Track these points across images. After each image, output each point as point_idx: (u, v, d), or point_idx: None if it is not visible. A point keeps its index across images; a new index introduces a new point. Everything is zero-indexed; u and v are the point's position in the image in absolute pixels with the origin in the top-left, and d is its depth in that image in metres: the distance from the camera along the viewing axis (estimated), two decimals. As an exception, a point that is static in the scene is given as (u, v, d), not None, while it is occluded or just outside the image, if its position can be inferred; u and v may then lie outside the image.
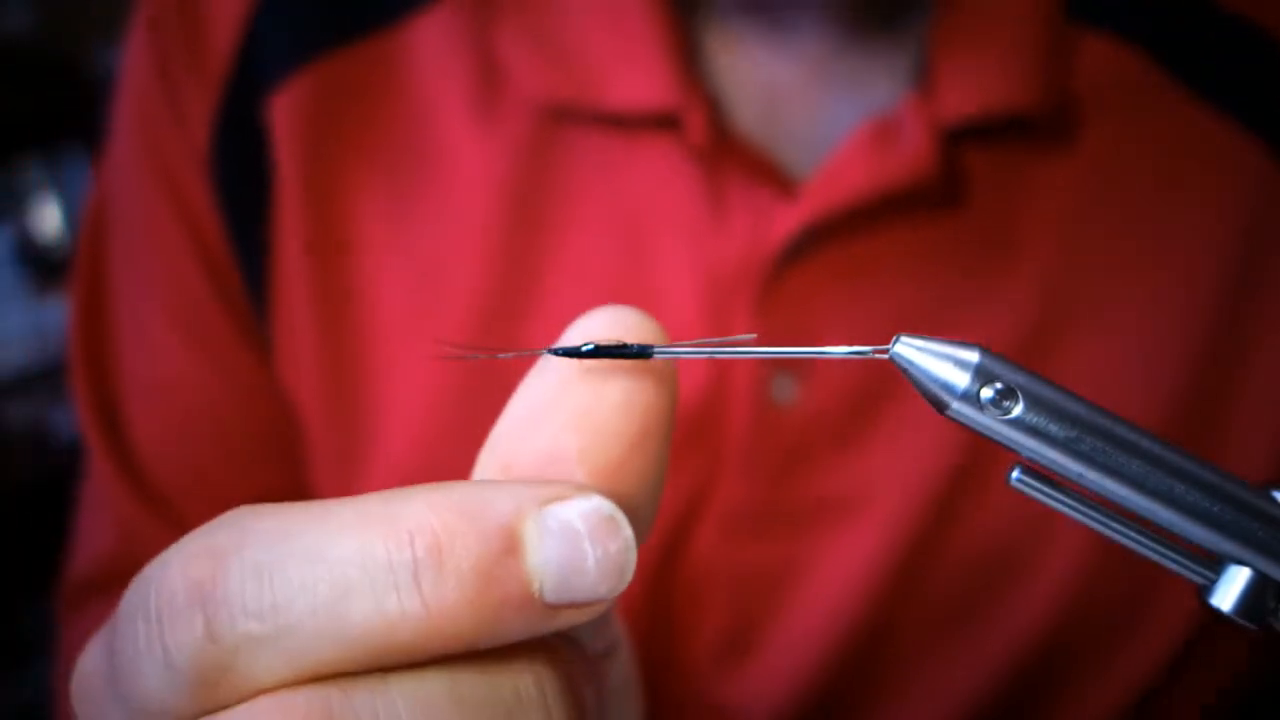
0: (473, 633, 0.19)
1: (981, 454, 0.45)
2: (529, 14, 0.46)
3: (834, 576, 0.46)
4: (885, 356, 0.22)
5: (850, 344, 0.43)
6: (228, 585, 0.18)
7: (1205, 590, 0.20)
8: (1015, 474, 0.21)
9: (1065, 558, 0.46)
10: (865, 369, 0.45)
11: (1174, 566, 0.21)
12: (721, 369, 0.45)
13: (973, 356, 0.20)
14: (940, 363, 0.20)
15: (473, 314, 0.46)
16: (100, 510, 0.52)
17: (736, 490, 0.45)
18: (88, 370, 0.51)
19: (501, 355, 0.23)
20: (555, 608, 0.19)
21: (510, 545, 0.19)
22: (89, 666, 0.21)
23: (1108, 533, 0.21)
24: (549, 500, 0.19)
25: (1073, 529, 0.46)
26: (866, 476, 0.46)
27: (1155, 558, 0.21)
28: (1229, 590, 0.20)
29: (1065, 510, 0.21)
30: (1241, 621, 0.20)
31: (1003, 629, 0.47)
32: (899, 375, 0.44)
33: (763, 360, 0.44)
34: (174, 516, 0.51)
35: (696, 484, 0.45)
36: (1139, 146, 0.46)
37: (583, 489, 0.20)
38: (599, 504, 0.19)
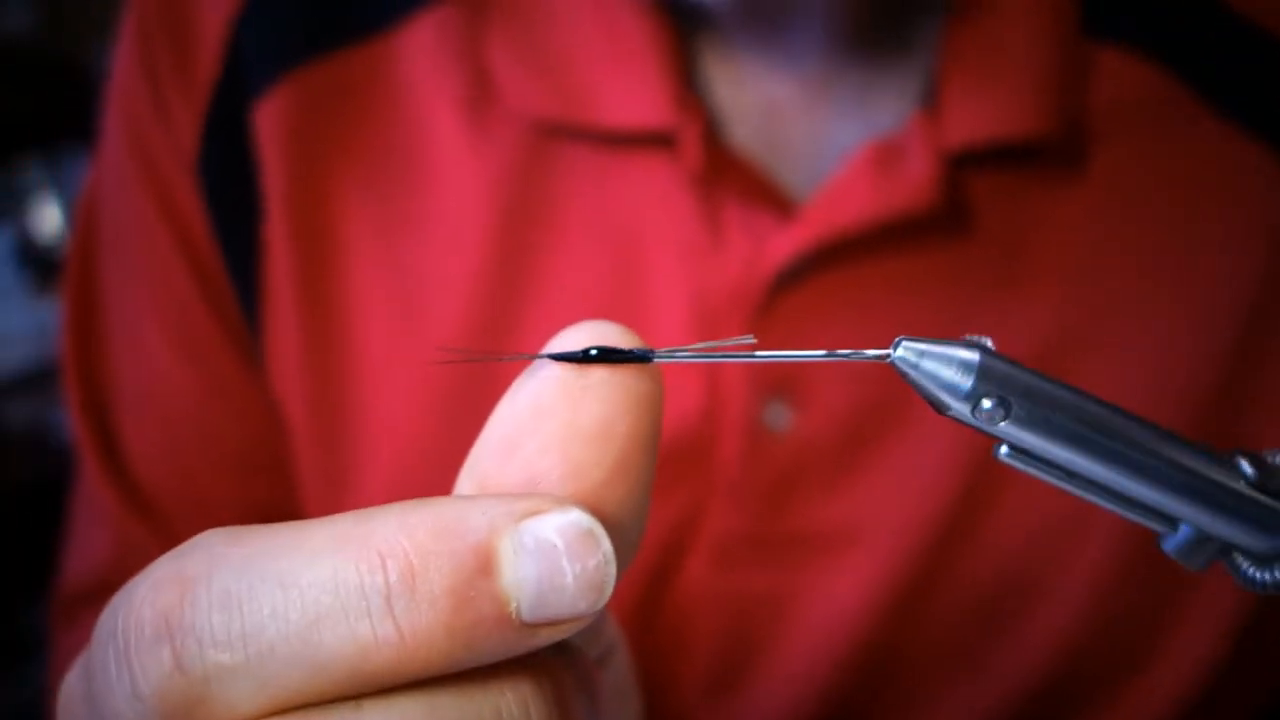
0: (448, 656, 0.18)
1: (981, 485, 0.44)
2: (521, 25, 0.45)
3: (827, 609, 0.45)
4: (886, 360, 0.21)
5: (847, 373, 0.43)
6: (195, 615, 0.18)
7: (1161, 538, 0.22)
8: (1003, 450, 0.21)
9: (1068, 592, 0.45)
10: (861, 395, 0.44)
11: (1137, 519, 0.22)
12: (713, 394, 0.44)
13: (973, 356, 0.20)
14: (942, 368, 0.20)
15: (460, 331, 0.45)
16: (92, 521, 0.51)
17: (727, 519, 0.44)
18: (79, 381, 0.51)
19: (495, 359, 0.23)
20: (533, 626, 0.19)
21: (484, 565, 0.18)
22: (71, 687, 0.21)
23: (1082, 495, 0.22)
24: (525, 515, 0.19)
25: (1077, 562, 0.45)
26: (862, 506, 0.45)
27: (1122, 513, 0.22)
28: (1179, 539, 0.22)
29: (1047, 479, 0.22)
30: (1183, 563, 0.22)
31: (1003, 663, 0.46)
32: (896, 403, 0.44)
33: (755, 386, 0.44)
34: (166, 527, 0.50)
35: (686, 512, 0.44)
36: (1157, 168, 0.44)
37: (560, 502, 0.19)
38: (577, 518, 0.19)
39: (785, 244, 0.43)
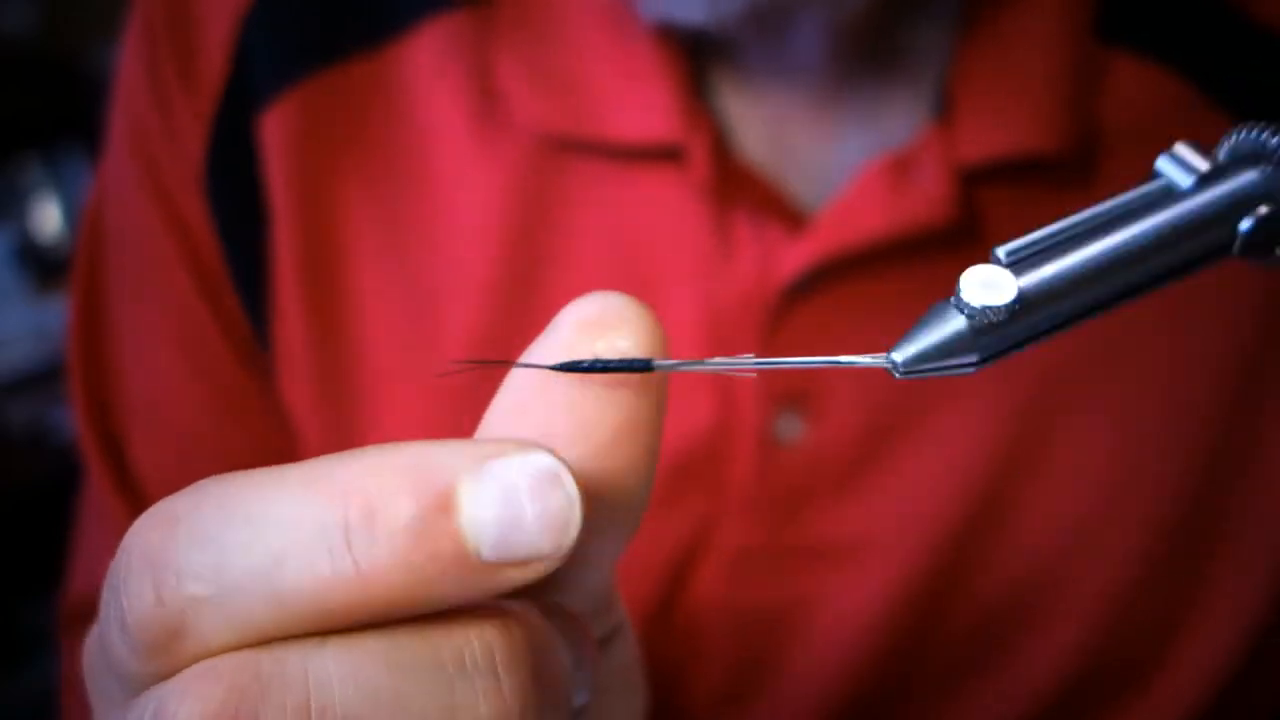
0: (407, 595, 0.18)
1: (994, 495, 0.44)
2: (529, 37, 0.44)
3: (840, 621, 0.45)
4: (887, 365, 0.21)
5: (859, 383, 0.43)
6: (176, 549, 0.19)
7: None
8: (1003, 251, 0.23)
9: (1081, 601, 0.45)
10: (873, 406, 0.44)
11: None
12: (725, 407, 0.44)
13: (971, 359, 0.21)
14: (941, 363, 0.21)
15: (469, 343, 0.45)
16: (99, 533, 0.51)
17: (740, 531, 0.44)
18: (86, 392, 0.50)
19: (501, 364, 0.23)
20: (496, 566, 0.19)
21: (444, 503, 0.18)
22: (90, 642, 0.22)
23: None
24: (488, 457, 0.19)
25: (1090, 571, 0.45)
26: (874, 517, 0.44)
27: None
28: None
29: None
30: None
31: (1016, 673, 0.46)
32: (908, 414, 0.44)
33: (767, 398, 0.43)
34: None
35: (698, 524, 0.44)
36: None
37: (526, 445, 0.19)
38: (539, 458, 0.19)
39: (796, 257, 0.42)
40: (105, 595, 0.20)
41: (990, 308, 0.21)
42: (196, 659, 0.19)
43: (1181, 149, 0.23)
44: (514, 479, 0.19)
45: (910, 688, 0.46)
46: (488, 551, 0.18)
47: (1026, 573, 0.45)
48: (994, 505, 0.44)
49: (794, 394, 0.44)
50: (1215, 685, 0.46)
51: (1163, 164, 0.23)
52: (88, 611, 0.52)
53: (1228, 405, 0.44)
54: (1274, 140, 0.22)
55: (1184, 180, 0.23)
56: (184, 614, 0.19)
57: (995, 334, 0.21)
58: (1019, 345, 0.21)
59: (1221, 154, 0.23)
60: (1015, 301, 0.21)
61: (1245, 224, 0.22)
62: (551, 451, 0.19)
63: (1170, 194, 0.23)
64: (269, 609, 0.18)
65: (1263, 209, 0.22)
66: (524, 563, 0.19)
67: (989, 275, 0.21)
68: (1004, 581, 0.45)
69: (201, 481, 0.20)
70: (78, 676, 0.53)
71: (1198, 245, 0.23)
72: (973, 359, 0.21)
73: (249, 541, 0.18)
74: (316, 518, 0.18)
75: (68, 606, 0.53)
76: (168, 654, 0.19)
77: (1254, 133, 0.22)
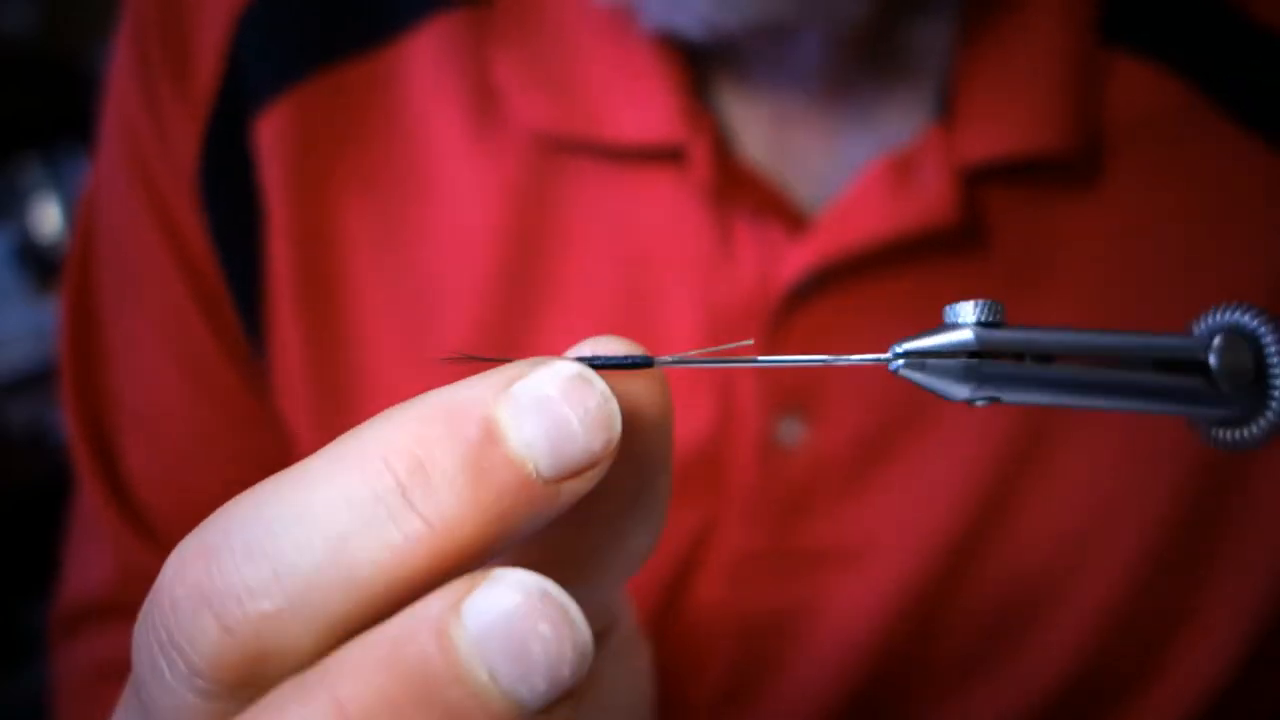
0: (482, 536, 0.18)
1: (995, 498, 0.44)
2: (526, 37, 0.44)
3: (841, 624, 0.45)
4: (886, 364, 0.21)
5: (859, 388, 0.43)
6: (225, 576, 0.18)
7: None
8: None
9: (1081, 604, 0.45)
10: (874, 409, 0.44)
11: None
12: (726, 410, 0.43)
13: (969, 385, 0.21)
14: (938, 380, 0.21)
15: (468, 347, 0.44)
16: (91, 539, 0.51)
17: (741, 535, 0.44)
18: (78, 399, 0.50)
19: (498, 361, 0.22)
20: (556, 482, 0.18)
21: (490, 433, 0.18)
22: (125, 714, 0.21)
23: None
24: (511, 381, 0.18)
25: (1090, 573, 0.45)
26: (875, 521, 0.44)
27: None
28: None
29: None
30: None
31: (1016, 676, 0.45)
32: (909, 417, 0.44)
33: (768, 402, 0.43)
34: (167, 546, 0.49)
35: (699, 528, 0.44)
36: (1176, 179, 0.43)
37: (537, 360, 0.19)
38: (560, 366, 0.19)
39: (798, 259, 0.42)
40: (142, 662, 0.19)
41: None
42: (287, 673, 0.18)
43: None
44: (546, 391, 0.18)
45: (910, 690, 0.46)
46: (546, 468, 0.18)
47: (1026, 576, 0.45)
48: (994, 509, 0.44)
49: (795, 398, 0.43)
50: (1214, 690, 0.45)
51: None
52: (80, 618, 0.52)
53: None
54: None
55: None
56: (260, 637, 0.18)
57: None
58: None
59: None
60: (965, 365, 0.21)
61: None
62: (564, 357, 0.19)
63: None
64: (346, 597, 0.18)
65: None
66: (580, 470, 0.18)
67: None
68: (1004, 584, 0.45)
69: (219, 510, 0.19)
70: (69, 682, 0.53)
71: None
72: (964, 392, 0.22)
73: (303, 539, 0.18)
74: (366, 489, 0.18)
75: (60, 614, 0.52)
76: (256, 682, 0.18)
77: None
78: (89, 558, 0.51)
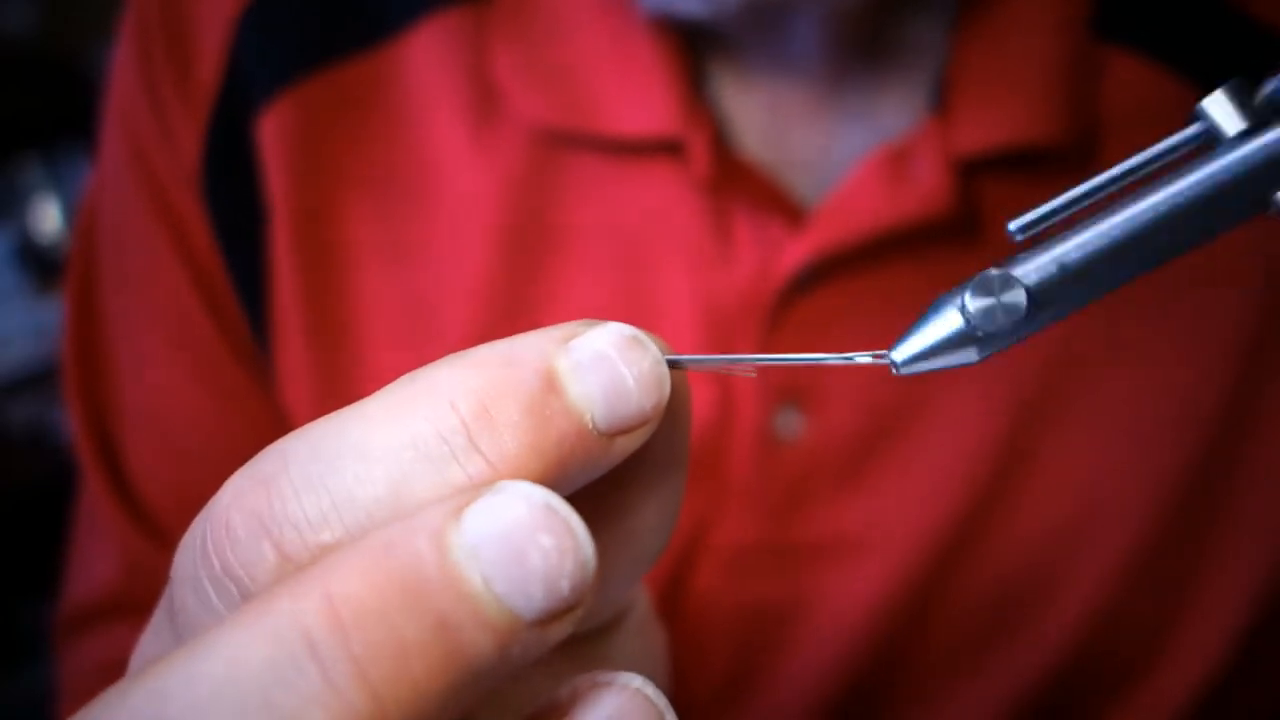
0: (541, 480, 0.18)
1: (993, 490, 0.44)
2: (526, 33, 0.44)
3: (839, 616, 0.45)
4: (886, 363, 0.21)
5: (857, 379, 0.43)
6: (285, 504, 0.18)
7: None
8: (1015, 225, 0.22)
9: (1077, 595, 0.45)
10: (872, 402, 0.44)
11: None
12: (724, 402, 0.44)
13: (971, 356, 0.21)
14: (942, 359, 0.21)
15: (470, 341, 0.44)
16: (96, 538, 0.51)
17: (739, 527, 0.44)
18: (82, 397, 0.50)
19: None
20: (610, 436, 0.19)
21: (550, 384, 0.18)
22: (145, 650, 0.21)
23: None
24: (568, 337, 0.19)
25: (1086, 565, 0.45)
26: (873, 514, 0.45)
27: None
28: None
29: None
30: None
31: (1013, 670, 0.46)
32: (907, 409, 0.44)
33: (766, 394, 0.43)
34: (173, 544, 0.49)
35: (698, 520, 0.44)
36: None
37: (591, 321, 0.19)
38: (616, 326, 0.19)
39: (796, 251, 0.42)
40: (185, 591, 0.19)
41: (996, 320, 0.20)
42: None
43: (1221, 97, 0.22)
44: (604, 349, 0.19)
45: (907, 681, 0.46)
46: (602, 421, 0.18)
47: (1023, 567, 0.45)
48: (991, 500, 0.44)
49: (793, 390, 0.44)
50: (1209, 683, 0.46)
51: (1209, 105, 0.22)
52: (85, 617, 0.52)
53: (1225, 399, 0.44)
54: None
55: (1229, 127, 0.21)
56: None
57: (999, 339, 0.21)
58: (1024, 337, 0.21)
59: (1263, 98, 0.22)
60: (1024, 314, 0.20)
61: None
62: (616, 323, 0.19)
63: (1205, 148, 0.21)
64: None
65: None
66: (632, 427, 0.19)
67: (996, 281, 0.21)
68: (1001, 575, 0.45)
69: (271, 446, 0.19)
70: (74, 682, 0.53)
71: (1232, 211, 0.21)
72: (973, 357, 0.21)
73: (365, 473, 0.18)
74: (430, 429, 0.18)
75: (64, 614, 0.52)
76: None
77: None
78: (93, 557, 0.51)
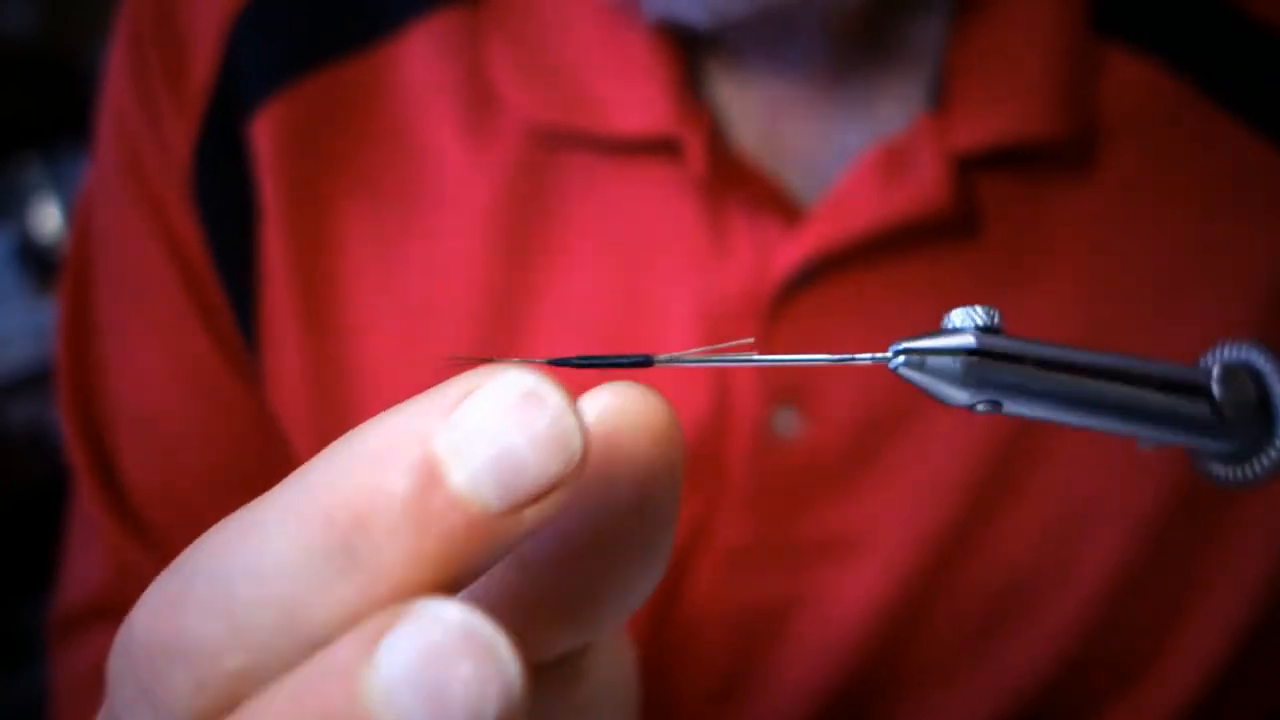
0: (439, 577, 0.17)
1: (991, 491, 0.44)
2: (521, 32, 0.44)
3: (837, 615, 0.45)
4: (886, 363, 0.22)
5: (856, 378, 0.43)
6: (190, 631, 0.17)
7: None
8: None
9: (1075, 595, 0.45)
10: (870, 401, 0.44)
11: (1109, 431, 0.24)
12: (721, 401, 0.43)
13: (968, 389, 0.22)
14: (937, 382, 0.21)
15: (465, 343, 0.44)
16: (88, 542, 0.51)
17: (737, 526, 0.44)
18: (74, 401, 0.50)
19: (494, 362, 0.22)
20: (513, 511, 0.17)
21: (429, 475, 0.16)
22: None
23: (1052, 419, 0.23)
24: (454, 404, 0.17)
25: (1084, 565, 0.45)
26: (871, 513, 0.44)
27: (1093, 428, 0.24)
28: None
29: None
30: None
31: (1010, 667, 0.46)
32: (905, 409, 0.44)
33: (764, 393, 0.43)
34: (164, 548, 0.49)
35: (695, 520, 0.44)
36: (1169, 169, 0.44)
37: (484, 372, 0.17)
38: (510, 381, 0.17)
39: (793, 250, 0.42)
40: (122, 696, 0.18)
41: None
42: None
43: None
44: (488, 416, 0.17)
45: (904, 681, 0.46)
46: (497, 503, 0.16)
47: (1020, 567, 0.45)
48: (989, 501, 0.44)
49: (791, 389, 0.44)
50: (1208, 683, 0.46)
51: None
52: (77, 620, 0.52)
53: None
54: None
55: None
56: (234, 690, 0.17)
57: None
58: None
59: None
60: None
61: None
62: (513, 366, 0.17)
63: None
64: (310, 653, 0.17)
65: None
66: (536, 497, 0.17)
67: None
68: (998, 576, 0.45)
69: (181, 555, 0.18)
70: (67, 684, 0.53)
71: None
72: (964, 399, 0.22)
73: (260, 596, 0.17)
74: (313, 548, 0.17)
75: (57, 616, 0.52)
76: None
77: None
78: (86, 560, 0.51)
